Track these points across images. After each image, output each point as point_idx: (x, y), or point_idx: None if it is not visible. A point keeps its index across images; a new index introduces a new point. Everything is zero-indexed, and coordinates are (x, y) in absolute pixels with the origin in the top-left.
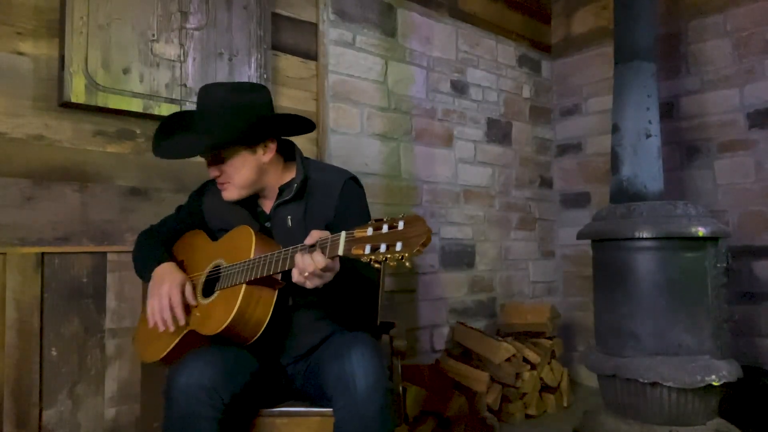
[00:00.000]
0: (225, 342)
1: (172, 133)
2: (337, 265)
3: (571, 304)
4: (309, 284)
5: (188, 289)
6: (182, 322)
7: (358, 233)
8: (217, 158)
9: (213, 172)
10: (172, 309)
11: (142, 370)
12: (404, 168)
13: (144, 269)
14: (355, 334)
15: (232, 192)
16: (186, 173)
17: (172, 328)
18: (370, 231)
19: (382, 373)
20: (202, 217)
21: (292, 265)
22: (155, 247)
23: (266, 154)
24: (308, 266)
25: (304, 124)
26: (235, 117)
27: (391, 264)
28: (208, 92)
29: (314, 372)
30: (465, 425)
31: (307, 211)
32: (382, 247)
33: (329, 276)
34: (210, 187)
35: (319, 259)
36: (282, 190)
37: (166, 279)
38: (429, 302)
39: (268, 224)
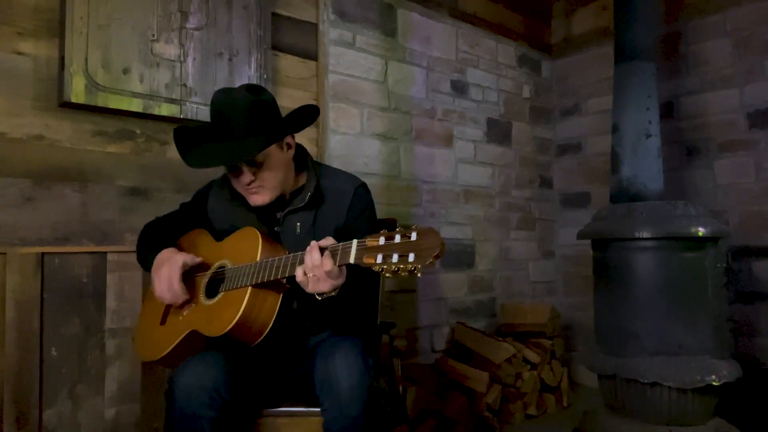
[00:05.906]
0: (227, 342)
1: (202, 142)
2: (343, 276)
3: (571, 304)
4: (311, 287)
5: (189, 259)
6: (186, 296)
7: (370, 242)
8: (251, 162)
9: (246, 178)
10: (172, 289)
11: (142, 370)
12: (404, 168)
13: (146, 258)
14: (343, 336)
15: (265, 195)
16: (186, 173)
17: (180, 301)
18: (382, 240)
19: (366, 373)
20: (207, 217)
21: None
22: (159, 237)
23: (289, 151)
24: (315, 261)
25: (312, 112)
26: (269, 116)
27: (403, 275)
28: (229, 96)
29: (308, 373)
30: (465, 425)
31: (317, 218)
32: (394, 257)
33: (335, 283)
34: (215, 187)
35: (327, 262)
36: (293, 196)
37: (165, 262)
38: (429, 302)
39: (277, 229)
